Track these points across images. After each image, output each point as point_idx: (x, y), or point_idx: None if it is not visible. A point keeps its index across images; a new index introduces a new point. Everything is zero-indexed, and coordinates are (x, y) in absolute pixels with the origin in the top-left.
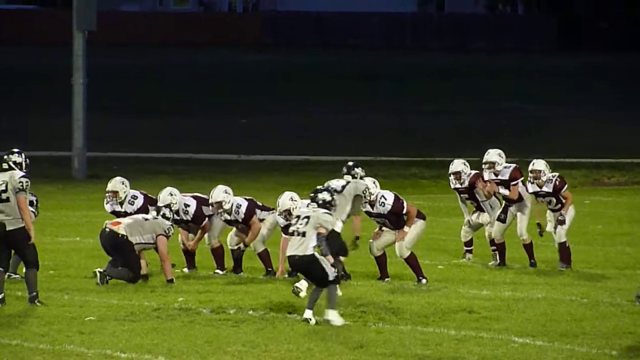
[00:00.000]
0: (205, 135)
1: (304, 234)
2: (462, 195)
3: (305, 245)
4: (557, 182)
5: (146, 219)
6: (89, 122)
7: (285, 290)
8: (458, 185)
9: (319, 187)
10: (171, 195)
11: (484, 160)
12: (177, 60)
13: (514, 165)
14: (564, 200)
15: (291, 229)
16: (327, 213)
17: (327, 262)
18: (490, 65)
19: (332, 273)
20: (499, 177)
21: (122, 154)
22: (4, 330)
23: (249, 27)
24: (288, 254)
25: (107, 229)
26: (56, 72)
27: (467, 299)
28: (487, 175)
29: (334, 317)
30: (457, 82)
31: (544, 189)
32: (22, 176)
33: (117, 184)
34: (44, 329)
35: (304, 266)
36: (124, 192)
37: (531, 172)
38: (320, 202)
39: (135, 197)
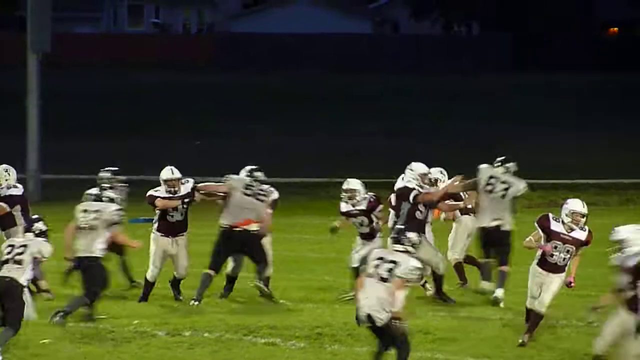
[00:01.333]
0: (161, 157)
1: (20, 262)
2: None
3: (20, 272)
4: (371, 201)
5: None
6: (43, 144)
7: (241, 311)
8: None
9: (36, 216)
10: None
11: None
12: (133, 81)
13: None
14: (375, 222)
15: (5, 257)
16: (45, 241)
17: (28, 300)
18: (447, 85)
19: (25, 315)
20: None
21: (77, 176)
22: None
23: (203, 48)
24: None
25: (240, 230)
26: (10, 94)
27: (423, 319)
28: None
29: None
30: (413, 102)
31: (358, 207)
32: (117, 209)
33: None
34: None
35: (9, 291)
36: (5, 179)
37: (345, 191)
38: (37, 231)
39: (16, 187)
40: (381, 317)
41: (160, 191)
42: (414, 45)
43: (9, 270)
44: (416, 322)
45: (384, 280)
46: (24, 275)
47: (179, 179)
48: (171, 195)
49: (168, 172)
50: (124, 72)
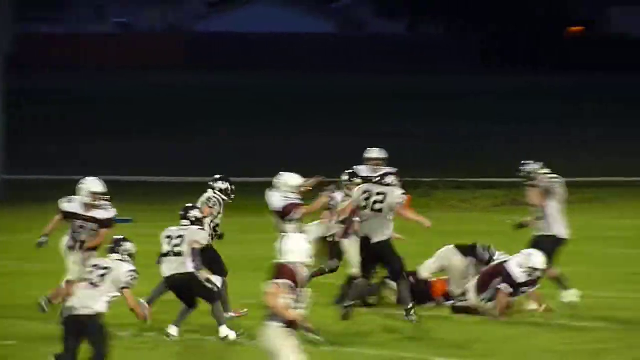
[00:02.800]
0: (121, 159)
1: (180, 254)
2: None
3: (183, 264)
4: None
5: None
6: (7, 145)
7: (207, 312)
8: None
9: (188, 205)
10: None
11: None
12: (98, 81)
13: None
14: None
15: (165, 249)
16: (200, 229)
17: (203, 278)
18: (410, 85)
19: (213, 287)
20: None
21: (39, 177)
22: None
23: (168, 48)
24: (166, 274)
25: None
26: None
27: (392, 319)
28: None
29: (226, 331)
30: (376, 104)
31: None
32: None
33: None
34: None
35: (184, 285)
36: None
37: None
38: (193, 219)
39: None
40: (86, 314)
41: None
42: (378, 45)
43: (170, 263)
44: (385, 322)
45: (94, 285)
46: (187, 267)
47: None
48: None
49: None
50: (88, 72)
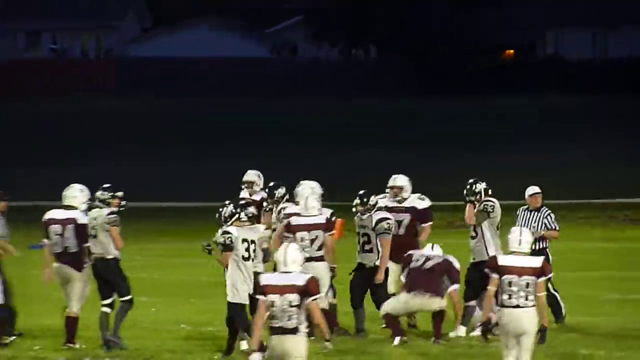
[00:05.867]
0: (51, 185)
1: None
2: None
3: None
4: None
5: None
6: None
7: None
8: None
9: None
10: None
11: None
12: (31, 108)
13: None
14: None
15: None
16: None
17: None
18: (345, 111)
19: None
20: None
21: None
22: None
23: (102, 73)
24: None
25: None
26: None
27: None
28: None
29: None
30: (306, 129)
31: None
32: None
33: None
34: None
35: None
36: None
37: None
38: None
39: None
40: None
41: None
42: (314, 69)
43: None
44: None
45: (246, 259)
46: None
47: None
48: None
49: None
50: (24, 98)
